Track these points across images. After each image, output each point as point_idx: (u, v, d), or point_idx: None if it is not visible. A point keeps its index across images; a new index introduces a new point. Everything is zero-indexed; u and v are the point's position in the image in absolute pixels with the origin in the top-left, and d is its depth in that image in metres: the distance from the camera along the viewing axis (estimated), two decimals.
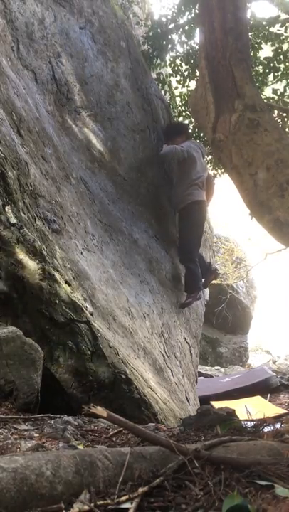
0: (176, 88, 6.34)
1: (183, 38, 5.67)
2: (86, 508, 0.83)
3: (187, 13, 5.47)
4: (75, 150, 3.47)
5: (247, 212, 5.19)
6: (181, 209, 4.62)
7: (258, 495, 0.92)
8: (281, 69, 5.45)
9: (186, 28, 5.56)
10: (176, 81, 6.09)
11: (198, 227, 4.63)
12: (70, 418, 1.77)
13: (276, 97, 5.69)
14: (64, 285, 2.25)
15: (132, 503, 0.87)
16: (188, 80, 5.93)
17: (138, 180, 4.31)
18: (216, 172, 6.48)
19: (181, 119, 6.30)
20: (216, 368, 9.66)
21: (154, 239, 4.36)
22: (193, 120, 5.86)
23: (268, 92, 5.81)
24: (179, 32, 5.63)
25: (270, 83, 5.74)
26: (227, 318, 10.33)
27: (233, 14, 2.78)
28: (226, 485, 0.97)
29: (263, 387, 6.28)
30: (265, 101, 4.14)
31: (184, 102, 6.26)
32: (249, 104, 2.64)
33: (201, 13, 3.02)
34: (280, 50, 5.32)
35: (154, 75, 5.69)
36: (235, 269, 11.24)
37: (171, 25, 5.56)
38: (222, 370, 9.49)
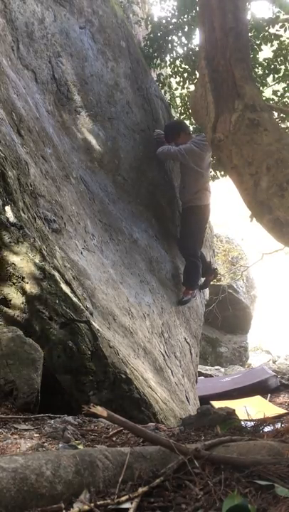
0: (176, 89, 6.34)
1: (183, 39, 5.67)
2: (86, 507, 0.83)
3: (187, 14, 5.46)
4: (75, 150, 3.47)
5: (246, 213, 5.20)
6: (187, 208, 4.67)
7: (258, 495, 0.92)
8: (282, 71, 5.44)
9: (186, 29, 5.56)
10: (176, 82, 6.08)
11: (201, 227, 4.75)
12: (70, 418, 1.77)
13: (276, 99, 5.69)
14: (64, 285, 2.25)
15: (132, 503, 0.87)
16: (187, 81, 5.92)
17: (138, 180, 4.31)
18: (215, 174, 6.47)
19: (181, 119, 6.28)
20: (216, 367, 9.66)
21: (154, 239, 4.37)
22: (193, 120, 5.86)
23: (267, 93, 5.80)
24: (180, 33, 5.62)
25: (269, 84, 5.73)
26: (227, 318, 10.33)
27: (233, 14, 2.78)
28: (226, 485, 0.97)
29: (263, 387, 6.28)
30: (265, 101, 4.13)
31: (184, 103, 6.26)
32: (249, 104, 2.63)
33: (200, 13, 3.02)
34: (279, 52, 5.32)
35: (154, 76, 5.69)
36: (234, 268, 11.24)
37: (171, 26, 5.56)
38: (222, 369, 9.49)
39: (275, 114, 5.07)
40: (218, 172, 6.46)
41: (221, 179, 6.58)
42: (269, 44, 5.36)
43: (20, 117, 2.64)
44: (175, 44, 5.69)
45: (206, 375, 8.40)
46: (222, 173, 6.43)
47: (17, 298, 2.08)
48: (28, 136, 2.68)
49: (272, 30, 5.30)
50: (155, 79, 5.67)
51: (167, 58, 5.82)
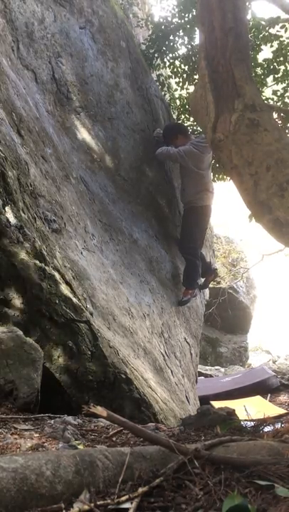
0: (176, 90, 6.33)
1: (183, 39, 5.66)
2: (86, 507, 0.83)
3: (187, 14, 5.45)
4: (75, 150, 3.47)
5: (246, 213, 5.20)
6: (189, 207, 4.70)
7: (258, 495, 0.92)
8: (281, 71, 5.45)
9: (187, 27, 5.54)
10: (176, 83, 6.07)
11: (201, 228, 4.78)
12: (70, 418, 1.77)
13: (276, 98, 5.69)
14: (64, 285, 2.25)
15: (132, 503, 0.87)
16: (187, 82, 5.91)
17: (138, 180, 4.31)
18: (213, 177, 6.45)
19: (181, 119, 6.28)
20: (216, 367, 9.66)
21: (154, 239, 4.37)
22: (193, 120, 5.85)
23: (267, 93, 5.80)
24: (180, 33, 5.61)
25: (269, 84, 5.73)
26: (227, 318, 10.34)
27: (233, 14, 2.78)
28: (226, 485, 0.97)
29: (263, 387, 6.29)
30: (265, 101, 4.13)
31: (183, 103, 6.25)
32: (249, 104, 2.63)
33: (200, 13, 3.02)
34: (279, 52, 5.32)
35: (154, 76, 5.68)
36: (234, 268, 11.25)
37: (172, 26, 5.55)
38: (222, 370, 9.50)
39: (275, 114, 5.07)
40: (216, 175, 6.45)
41: (216, 182, 6.58)
42: (269, 44, 5.37)
43: (20, 117, 2.64)
44: (176, 44, 5.67)
45: (206, 375, 8.41)
46: (217, 175, 6.44)
47: (17, 298, 2.08)
48: (28, 136, 2.68)
49: (272, 31, 5.30)
50: (155, 79, 5.67)
51: (167, 59, 5.80)
